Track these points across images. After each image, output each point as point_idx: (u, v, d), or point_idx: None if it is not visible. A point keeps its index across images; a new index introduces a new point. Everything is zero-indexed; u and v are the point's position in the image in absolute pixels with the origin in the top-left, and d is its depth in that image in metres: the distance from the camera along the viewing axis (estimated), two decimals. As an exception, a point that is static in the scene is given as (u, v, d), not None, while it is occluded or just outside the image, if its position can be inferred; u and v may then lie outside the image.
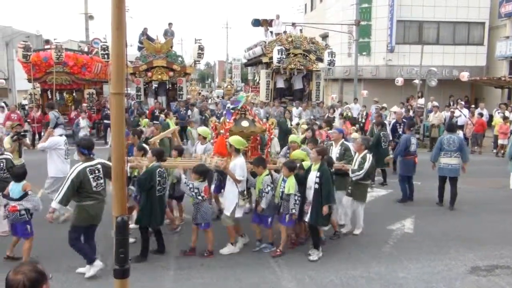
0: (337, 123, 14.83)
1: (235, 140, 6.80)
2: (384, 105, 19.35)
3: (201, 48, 18.86)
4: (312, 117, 16.54)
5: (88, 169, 5.86)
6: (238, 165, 6.66)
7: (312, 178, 6.68)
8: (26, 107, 22.06)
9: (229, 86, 32.00)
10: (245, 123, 7.50)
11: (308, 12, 38.16)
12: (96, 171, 5.93)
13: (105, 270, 5.95)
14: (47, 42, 26.15)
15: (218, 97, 36.37)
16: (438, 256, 6.83)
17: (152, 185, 6.43)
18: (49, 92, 18.83)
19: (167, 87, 20.01)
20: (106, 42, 18.18)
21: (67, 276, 5.97)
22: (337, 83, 30.30)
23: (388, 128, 13.70)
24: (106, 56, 17.40)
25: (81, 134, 14.59)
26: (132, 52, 23.21)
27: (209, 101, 30.37)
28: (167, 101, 19.57)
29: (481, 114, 17.61)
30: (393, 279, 6.06)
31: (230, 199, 6.82)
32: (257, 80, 23.44)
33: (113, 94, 3.30)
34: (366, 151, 7.76)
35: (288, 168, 6.73)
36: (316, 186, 6.58)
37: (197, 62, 20.28)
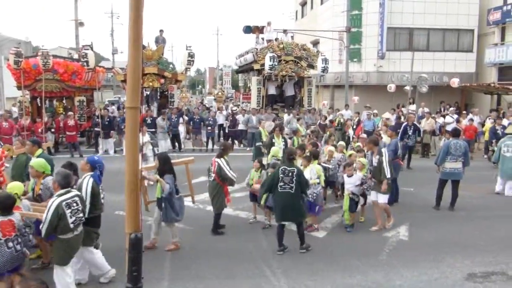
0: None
1: None
2: (375, 111, 19.42)
3: (191, 55, 18.73)
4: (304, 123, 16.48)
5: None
6: None
7: None
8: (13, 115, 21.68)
9: (220, 93, 31.97)
10: None
11: (299, 18, 38.30)
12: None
13: None
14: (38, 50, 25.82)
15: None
16: (434, 263, 6.79)
17: None
18: (38, 100, 18.60)
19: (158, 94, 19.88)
20: (88, 49, 17.91)
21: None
22: (328, 90, 30.36)
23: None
24: (85, 63, 17.39)
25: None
26: (123, 59, 23.02)
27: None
28: (158, 109, 19.44)
29: (472, 120, 17.63)
30: (390, 287, 6.00)
31: None
32: (249, 87, 23.42)
33: (129, 108, 3.23)
34: None
35: None
36: None
37: (187, 69, 20.18)
